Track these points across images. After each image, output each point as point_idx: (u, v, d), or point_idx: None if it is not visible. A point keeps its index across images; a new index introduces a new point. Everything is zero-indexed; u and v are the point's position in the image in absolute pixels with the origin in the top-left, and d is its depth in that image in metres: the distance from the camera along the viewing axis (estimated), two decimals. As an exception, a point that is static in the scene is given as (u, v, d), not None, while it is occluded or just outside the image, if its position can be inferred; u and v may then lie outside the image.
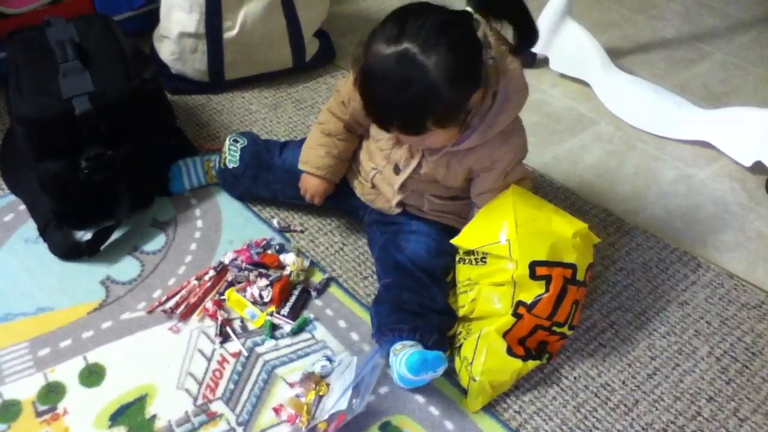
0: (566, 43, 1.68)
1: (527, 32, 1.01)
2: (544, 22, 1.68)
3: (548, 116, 1.62)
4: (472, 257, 1.09)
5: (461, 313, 1.10)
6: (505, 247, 1.04)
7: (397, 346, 1.02)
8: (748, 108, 1.51)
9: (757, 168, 1.44)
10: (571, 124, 1.60)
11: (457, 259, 1.13)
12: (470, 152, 1.06)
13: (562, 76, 1.72)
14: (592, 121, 1.61)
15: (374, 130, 1.15)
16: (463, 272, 1.11)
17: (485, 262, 1.07)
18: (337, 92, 1.19)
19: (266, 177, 1.29)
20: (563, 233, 1.05)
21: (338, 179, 1.24)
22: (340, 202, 1.27)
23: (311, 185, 1.23)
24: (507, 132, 1.05)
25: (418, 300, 1.07)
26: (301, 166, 1.22)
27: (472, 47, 0.95)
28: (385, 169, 1.15)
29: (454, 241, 1.11)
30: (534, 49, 1.71)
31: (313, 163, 1.21)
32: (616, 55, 1.77)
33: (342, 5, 1.94)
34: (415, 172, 1.11)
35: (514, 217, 1.04)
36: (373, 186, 1.20)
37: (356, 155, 1.22)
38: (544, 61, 1.74)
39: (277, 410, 1.01)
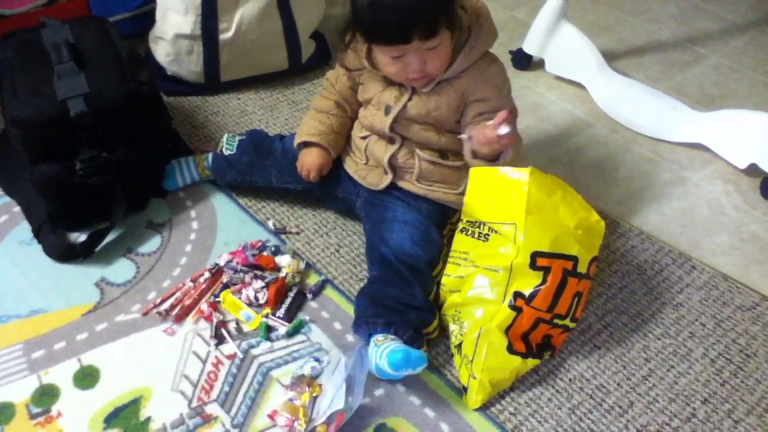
0: (562, 46, 1.68)
1: None
2: (539, 24, 1.69)
3: (544, 119, 1.62)
4: (476, 230, 1.10)
5: (443, 281, 1.12)
6: (511, 230, 1.04)
7: (379, 337, 1.03)
8: (742, 111, 1.51)
9: (752, 170, 1.45)
10: (566, 127, 1.60)
11: (459, 227, 1.13)
12: (461, 77, 1.13)
13: (558, 78, 1.72)
14: (588, 123, 1.62)
15: (366, 81, 1.19)
16: (462, 243, 1.11)
17: (488, 239, 1.08)
18: (326, 79, 1.29)
19: (263, 162, 1.31)
20: (567, 224, 1.06)
21: (334, 152, 1.26)
22: (334, 188, 1.28)
23: (308, 159, 1.25)
24: (491, 58, 1.16)
25: (397, 296, 1.08)
26: (296, 140, 1.26)
27: None
28: (377, 116, 1.19)
29: (473, 171, 1.12)
30: (530, 52, 1.73)
31: (306, 131, 1.25)
32: (612, 57, 1.78)
33: (338, 7, 1.93)
34: (405, 111, 1.16)
35: (527, 202, 1.05)
36: (367, 161, 1.23)
37: (349, 138, 1.27)
38: (540, 64, 1.74)
39: (272, 416, 1.01)
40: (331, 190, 1.29)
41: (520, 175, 1.07)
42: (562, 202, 1.08)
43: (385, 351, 1.00)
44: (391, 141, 1.20)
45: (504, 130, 1.03)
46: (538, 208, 1.05)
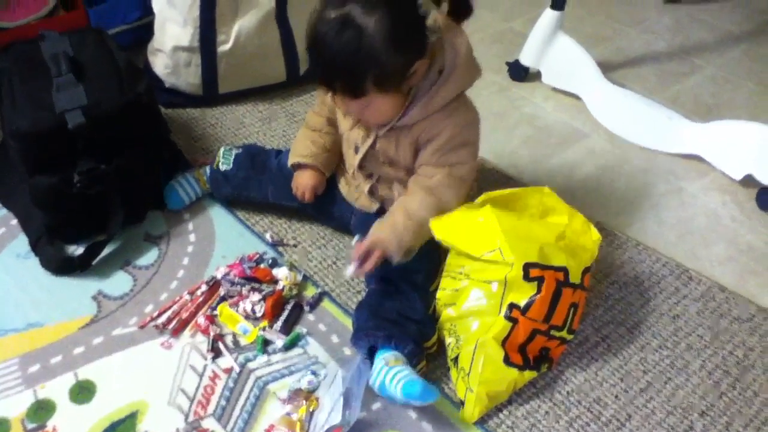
0: (558, 57, 1.69)
1: (462, 8, 1.06)
2: (536, 36, 1.69)
3: (541, 130, 1.63)
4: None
5: (438, 295, 1.12)
6: (498, 255, 1.05)
7: (389, 357, 1.03)
8: (738, 121, 1.51)
9: (748, 181, 1.45)
10: (563, 138, 1.61)
11: (453, 250, 1.13)
12: (416, 126, 1.08)
13: (555, 89, 1.73)
14: (585, 134, 1.62)
15: (338, 115, 1.20)
16: (456, 260, 1.12)
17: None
18: (318, 95, 1.30)
19: (259, 178, 1.31)
20: (546, 238, 1.07)
21: (327, 171, 1.26)
22: (329, 206, 1.29)
23: (302, 180, 1.25)
24: (451, 108, 1.07)
25: (397, 308, 1.08)
26: (290, 161, 1.26)
27: (412, 13, 0.99)
28: (349, 153, 1.19)
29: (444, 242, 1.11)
30: (527, 63, 1.73)
31: (299, 152, 1.25)
32: (608, 68, 1.78)
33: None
34: (372, 149, 1.14)
35: (499, 225, 1.06)
36: (358, 185, 1.24)
37: (342, 157, 1.27)
38: (537, 75, 1.75)
39: (269, 431, 1.00)
40: (327, 209, 1.29)
41: (482, 209, 1.09)
42: (532, 222, 1.10)
43: (400, 377, 0.99)
44: (368, 176, 1.20)
45: (348, 272, 1.07)
46: (512, 228, 1.07)
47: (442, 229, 1.10)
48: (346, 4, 0.96)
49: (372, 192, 1.21)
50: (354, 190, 1.25)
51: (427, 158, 1.10)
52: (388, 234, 1.08)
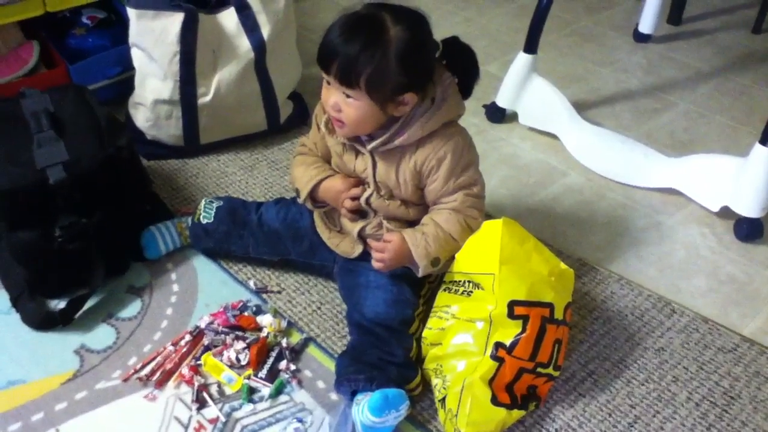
0: (533, 98, 1.73)
1: (466, 91, 1.15)
2: (511, 78, 1.73)
3: (519, 169, 1.65)
4: (460, 288, 1.11)
5: (424, 334, 1.12)
6: (490, 279, 1.06)
7: (359, 396, 1.03)
8: (712, 155, 1.55)
9: (725, 213, 1.48)
10: (542, 177, 1.63)
11: (442, 287, 1.15)
12: (416, 150, 1.12)
13: (531, 129, 1.76)
14: (562, 172, 1.65)
15: (334, 147, 1.20)
16: (444, 299, 1.13)
17: (470, 295, 1.09)
18: (303, 146, 1.28)
19: (239, 232, 1.31)
20: (540, 272, 1.08)
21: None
22: (310, 257, 1.29)
23: (333, 189, 1.20)
24: (450, 133, 1.12)
25: (377, 354, 1.08)
26: (303, 193, 1.22)
27: (431, 51, 1.09)
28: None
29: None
30: (503, 105, 1.77)
31: (309, 176, 1.21)
32: (583, 107, 1.82)
33: (315, 67, 1.98)
34: (375, 182, 1.16)
35: (500, 252, 1.07)
36: (340, 229, 1.24)
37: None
38: (513, 116, 1.78)
39: (255, 478, 0.99)
40: (309, 259, 1.29)
41: (494, 226, 1.10)
42: (534, 250, 1.11)
43: (364, 403, 1.00)
44: (363, 215, 1.20)
45: (376, 264, 1.14)
46: (512, 257, 1.07)
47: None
48: (381, 10, 1.04)
49: (360, 234, 1.20)
50: (335, 235, 1.25)
51: (441, 186, 1.13)
52: (416, 235, 1.12)
